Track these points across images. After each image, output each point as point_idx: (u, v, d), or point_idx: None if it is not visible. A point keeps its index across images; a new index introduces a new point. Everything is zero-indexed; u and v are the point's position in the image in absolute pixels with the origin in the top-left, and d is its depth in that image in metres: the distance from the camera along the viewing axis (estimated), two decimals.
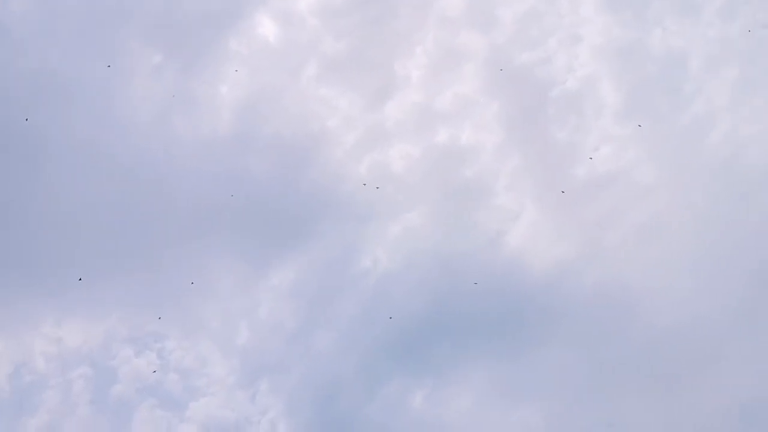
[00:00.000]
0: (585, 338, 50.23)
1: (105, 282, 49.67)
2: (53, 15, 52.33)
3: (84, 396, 46.83)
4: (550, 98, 56.95)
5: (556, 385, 49.03)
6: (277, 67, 56.42)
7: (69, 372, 47.20)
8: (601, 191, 55.17)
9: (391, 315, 51.10)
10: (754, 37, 56.64)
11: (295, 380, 48.62)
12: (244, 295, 51.52)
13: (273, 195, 53.79)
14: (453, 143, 56.83)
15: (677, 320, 49.13)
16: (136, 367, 48.38)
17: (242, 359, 49.09)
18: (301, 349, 49.62)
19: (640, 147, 55.60)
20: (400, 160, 56.24)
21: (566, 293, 52.19)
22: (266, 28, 57.36)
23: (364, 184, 51.09)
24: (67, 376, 47.06)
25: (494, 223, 54.94)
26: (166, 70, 54.05)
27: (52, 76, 50.79)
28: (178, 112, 53.77)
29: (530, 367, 49.60)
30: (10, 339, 47.20)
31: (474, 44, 58.80)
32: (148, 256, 50.72)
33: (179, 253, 51.48)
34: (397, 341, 50.39)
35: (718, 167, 54.00)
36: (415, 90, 57.86)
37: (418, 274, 52.80)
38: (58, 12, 52.36)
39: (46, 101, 50.42)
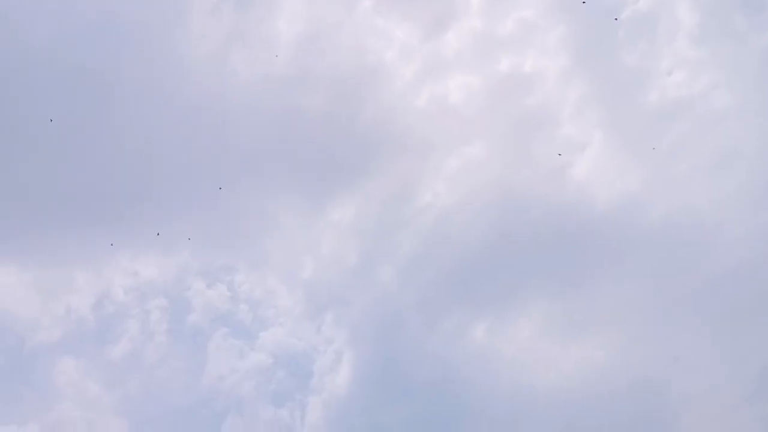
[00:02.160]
0: (651, 272, 48.76)
1: (177, 219, 51.41)
2: None
3: (161, 325, 49.30)
4: (620, 20, 53.59)
5: (619, 320, 48.11)
6: (332, 0, 55.20)
7: (147, 303, 49.57)
8: (674, 118, 52.38)
9: (451, 249, 50.91)
10: None
11: (358, 313, 49.64)
12: (307, 231, 52.43)
13: (331, 130, 53.64)
14: (515, 71, 54.81)
15: (750, 255, 46.81)
16: (209, 298, 50.31)
17: (307, 292, 50.40)
18: (363, 283, 50.42)
19: (716, 71, 52.05)
20: (459, 91, 54.86)
21: (633, 226, 50.50)
22: None
23: None
24: (145, 306, 49.47)
25: (558, 154, 53.18)
26: (223, 8, 53.83)
27: (113, 19, 51.42)
28: (236, 49, 53.77)
29: (593, 301, 48.79)
30: (91, 272, 49.79)
31: None
32: (213, 194, 51.91)
33: (242, 190, 52.48)
34: (458, 275, 50.39)
35: None
36: (475, 17, 55.67)
37: (479, 207, 52.13)
38: None
39: (109, 46, 51.18)
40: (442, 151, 54.01)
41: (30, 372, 46.32)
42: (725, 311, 46.19)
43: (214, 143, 52.57)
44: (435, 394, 45.15)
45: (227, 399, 46.85)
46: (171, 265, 50.77)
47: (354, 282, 50.39)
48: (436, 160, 53.76)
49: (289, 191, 53.13)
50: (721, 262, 47.59)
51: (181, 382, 47.99)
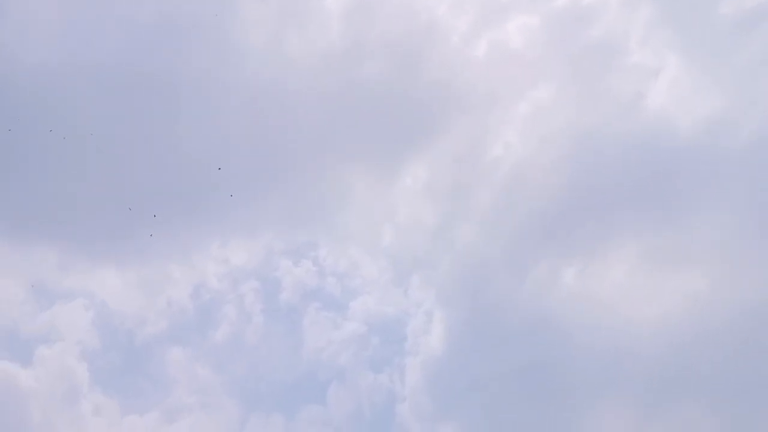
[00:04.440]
0: (746, 194, 46.12)
1: (257, 202, 52.65)
2: None
3: (256, 306, 50.65)
4: None
5: (719, 247, 45.84)
6: None
7: (240, 287, 50.91)
8: (752, 29, 49.01)
9: (530, 199, 49.78)
10: None
11: (443, 273, 49.55)
12: (382, 199, 52.61)
13: (393, 96, 53.25)
14: (574, 3, 52.65)
15: None
16: (297, 275, 51.42)
17: (390, 259, 50.65)
18: (444, 243, 50.22)
19: None
20: (518, 35, 53.20)
21: (721, 149, 47.88)
22: None
23: None
24: (238, 291, 50.82)
25: (631, 85, 51.05)
26: None
27: (166, 18, 52.74)
28: (289, 31, 54.05)
29: (688, 232, 46.67)
30: (185, 264, 51.76)
31: None
32: (287, 174, 52.79)
33: (314, 167, 53.02)
34: (541, 224, 49.26)
35: None
36: None
37: (554, 153, 50.64)
38: None
39: (165, 48, 52.62)
40: (509, 99, 52.79)
41: (143, 364, 48.73)
42: None
43: (280, 126, 53.35)
44: (530, 344, 44.54)
45: (328, 369, 47.91)
46: (257, 248, 52.15)
47: (435, 243, 50.31)
48: (504, 110, 52.61)
49: (359, 162, 53.39)
50: None
51: (282, 359, 49.39)
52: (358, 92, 53.24)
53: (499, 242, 49.16)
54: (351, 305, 50.15)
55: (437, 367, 46.11)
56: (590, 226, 48.59)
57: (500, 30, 53.30)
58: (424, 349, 47.24)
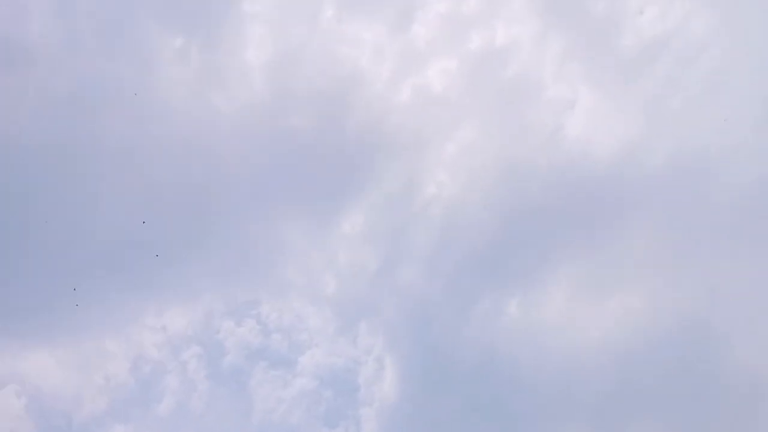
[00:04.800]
0: (669, 211, 48.70)
1: (191, 264, 51.59)
2: (70, 28, 52.99)
3: (200, 372, 49.37)
4: None
5: (648, 265, 48.04)
6: (294, 18, 55.47)
7: (181, 354, 49.67)
8: (656, 56, 52.25)
9: (466, 235, 50.90)
10: None
11: (389, 317, 49.62)
12: (322, 248, 52.46)
13: (323, 145, 53.74)
14: (489, 46, 54.84)
15: (763, 172, 46.62)
16: (241, 335, 50.43)
17: (335, 308, 50.37)
18: (388, 287, 50.41)
19: (689, 1, 51.97)
20: (439, 78, 54.87)
21: (640, 172, 50.47)
22: None
23: None
24: (180, 358, 49.56)
25: (550, 116, 53.21)
26: (189, 51, 54.16)
27: (82, 88, 51.79)
28: (211, 88, 54.01)
29: (618, 253, 48.71)
30: (121, 337, 50.03)
31: None
32: (221, 233, 52.11)
33: (249, 222, 52.65)
34: (478, 258, 50.41)
35: None
36: (438, 1, 55.78)
37: (484, 188, 52.11)
38: (74, 25, 52.93)
39: (83, 112, 51.58)
40: (436, 140, 54.12)
41: None
42: (749, 233, 46.01)
43: (210, 183, 52.86)
44: (482, 378, 45.11)
45: (280, 430, 46.96)
46: (196, 312, 51.03)
47: (379, 287, 50.47)
48: (433, 150, 53.89)
49: (295, 214, 53.28)
50: (735, 185, 47.49)
51: (231, 424, 48.00)
52: (287, 143, 53.57)
53: (441, 280, 49.97)
54: (299, 360, 49.63)
55: (393, 414, 45.97)
56: (526, 257, 50.05)
57: (421, 75, 55.00)
58: (378, 396, 47.05)
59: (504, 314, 48.01)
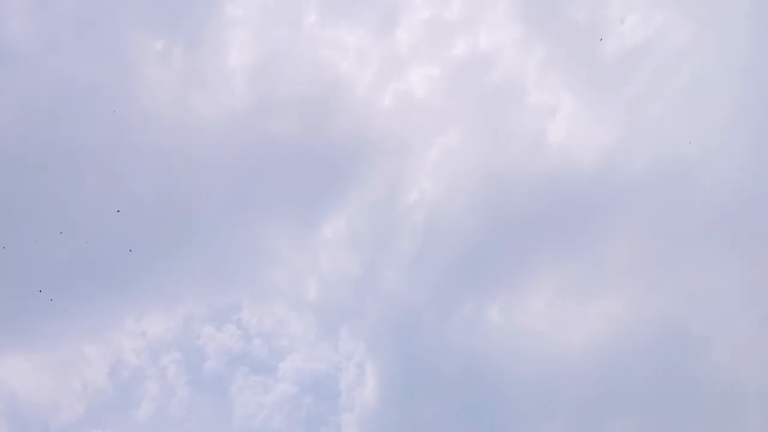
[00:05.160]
0: (650, 218, 49.04)
1: (172, 268, 51.25)
2: (49, 29, 52.52)
3: (180, 378, 48.99)
4: None
5: (629, 271, 48.41)
6: (277, 22, 55.31)
7: (160, 359, 49.31)
8: (636, 64, 52.68)
9: (449, 240, 50.94)
10: None
11: (371, 322, 49.59)
12: (303, 254, 52.31)
13: (305, 150, 53.62)
14: (472, 52, 55.03)
15: (741, 179, 47.10)
16: (221, 341, 50.09)
17: (317, 313, 50.23)
18: (369, 292, 50.34)
19: (668, 9, 52.53)
20: (422, 84, 54.95)
21: (622, 177, 50.84)
22: None
23: None
24: (159, 364, 49.19)
25: (532, 123, 53.43)
26: (171, 54, 53.82)
27: (64, 88, 51.34)
28: (194, 91, 53.72)
29: (599, 259, 49.02)
30: (99, 342, 49.61)
31: None
32: (201, 237, 51.78)
33: (231, 227, 52.29)
34: (461, 263, 50.46)
35: (761, 13, 50.47)
36: (421, 8, 55.88)
37: (467, 194, 52.25)
38: (53, 25, 52.48)
39: (64, 114, 51.16)
40: (419, 146, 54.17)
41: None
42: (731, 240, 46.50)
43: (191, 188, 52.62)
44: (464, 384, 45.08)
45: None
46: (176, 317, 50.67)
47: (360, 293, 50.39)
48: (415, 156, 53.91)
49: (277, 219, 53.07)
50: (714, 191, 48.02)
51: (212, 430, 47.67)
52: (269, 148, 53.37)
53: (424, 286, 49.97)
54: (280, 366, 49.39)
55: (374, 420, 45.86)
56: (508, 261, 50.26)
57: (404, 80, 55.02)
58: (360, 402, 46.92)
59: (486, 319, 48.17)
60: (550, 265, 49.71)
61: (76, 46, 52.62)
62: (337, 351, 49.25)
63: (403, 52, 55.45)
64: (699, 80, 51.05)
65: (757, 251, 45.60)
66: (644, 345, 44.58)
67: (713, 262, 46.32)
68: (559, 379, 45.06)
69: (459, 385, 45.16)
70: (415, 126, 54.29)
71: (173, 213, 52.03)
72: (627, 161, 50.79)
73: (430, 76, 54.98)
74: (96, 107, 51.82)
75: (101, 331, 49.60)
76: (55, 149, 50.72)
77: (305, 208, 52.93)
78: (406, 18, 55.65)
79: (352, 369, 48.29)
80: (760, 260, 45.34)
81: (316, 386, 48.42)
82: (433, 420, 44.48)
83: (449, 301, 49.19)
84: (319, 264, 51.62)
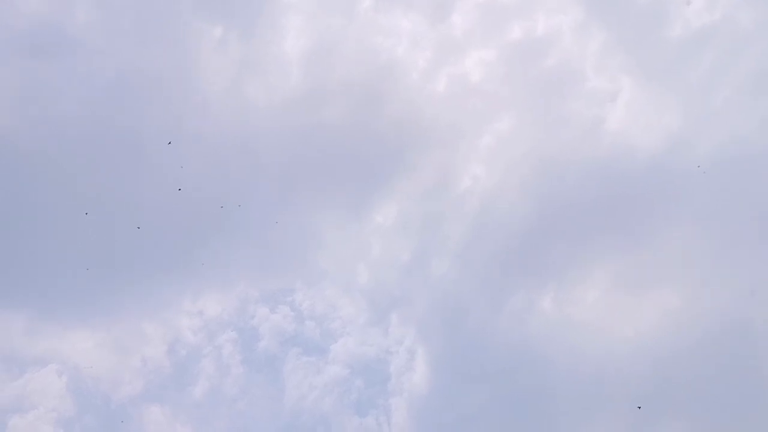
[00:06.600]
0: (709, 209, 47.21)
1: (228, 251, 52.09)
2: (115, 18, 53.89)
3: (235, 357, 49.88)
4: None
5: (687, 264, 46.73)
6: (331, 8, 55.33)
7: (216, 338, 50.22)
8: (700, 48, 50.65)
9: (500, 228, 50.21)
10: None
11: (421, 308, 49.40)
12: (355, 239, 52.55)
13: (359, 136, 53.76)
14: (529, 36, 53.92)
15: None
16: (275, 322, 50.77)
17: (367, 298, 50.41)
18: (420, 278, 50.17)
19: None
20: (477, 69, 54.19)
21: (681, 166, 49.01)
22: None
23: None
24: (215, 343, 50.11)
25: (589, 109, 52.08)
26: (228, 41, 54.55)
27: (127, 77, 52.69)
28: (249, 78, 54.37)
29: (656, 250, 47.47)
30: (158, 320, 50.92)
31: None
32: (256, 221, 52.55)
33: (285, 212, 52.90)
34: (512, 252, 49.66)
35: None
36: None
37: (520, 181, 51.39)
38: (115, 15, 53.81)
39: (127, 99, 52.47)
40: (473, 132, 53.51)
41: (121, 426, 47.37)
42: None
43: (247, 173, 53.31)
44: (513, 374, 44.52)
45: (312, 416, 47.14)
46: (232, 297, 51.59)
47: (411, 279, 50.26)
48: (468, 142, 53.31)
49: (330, 204, 53.37)
50: None
51: (265, 408, 48.49)
52: (323, 135, 53.61)
53: (474, 273, 49.45)
54: (332, 348, 49.76)
55: (423, 405, 45.76)
56: (561, 251, 49.20)
57: (459, 65, 54.42)
58: (408, 387, 46.92)
59: (537, 310, 47.37)
60: (604, 255, 48.58)
61: (137, 35, 53.89)
62: (388, 336, 49.40)
63: (458, 36, 54.84)
64: (766, 65, 48.69)
65: None
66: (703, 339, 42.99)
67: None
68: (610, 375, 43.88)
69: (507, 375, 44.67)
70: (468, 112, 53.72)
71: (228, 196, 52.90)
72: (688, 149, 49.04)
73: (485, 60, 54.25)
74: (156, 93, 53.06)
75: (160, 310, 50.89)
76: (115, 134, 52.09)
77: (357, 194, 53.18)
78: (461, 2, 55.02)
79: (402, 354, 48.36)
80: None
81: (367, 370, 48.79)
82: (481, 408, 44.17)
83: (500, 291, 48.63)
84: (370, 250, 51.88)
